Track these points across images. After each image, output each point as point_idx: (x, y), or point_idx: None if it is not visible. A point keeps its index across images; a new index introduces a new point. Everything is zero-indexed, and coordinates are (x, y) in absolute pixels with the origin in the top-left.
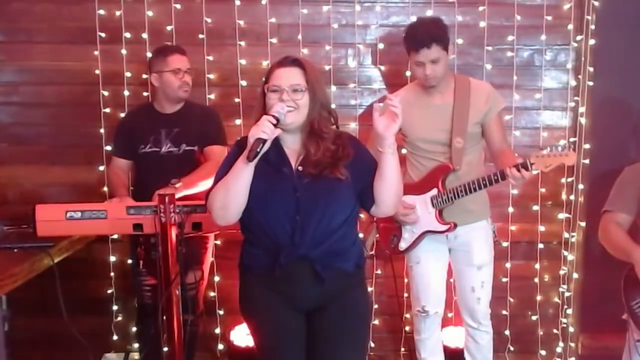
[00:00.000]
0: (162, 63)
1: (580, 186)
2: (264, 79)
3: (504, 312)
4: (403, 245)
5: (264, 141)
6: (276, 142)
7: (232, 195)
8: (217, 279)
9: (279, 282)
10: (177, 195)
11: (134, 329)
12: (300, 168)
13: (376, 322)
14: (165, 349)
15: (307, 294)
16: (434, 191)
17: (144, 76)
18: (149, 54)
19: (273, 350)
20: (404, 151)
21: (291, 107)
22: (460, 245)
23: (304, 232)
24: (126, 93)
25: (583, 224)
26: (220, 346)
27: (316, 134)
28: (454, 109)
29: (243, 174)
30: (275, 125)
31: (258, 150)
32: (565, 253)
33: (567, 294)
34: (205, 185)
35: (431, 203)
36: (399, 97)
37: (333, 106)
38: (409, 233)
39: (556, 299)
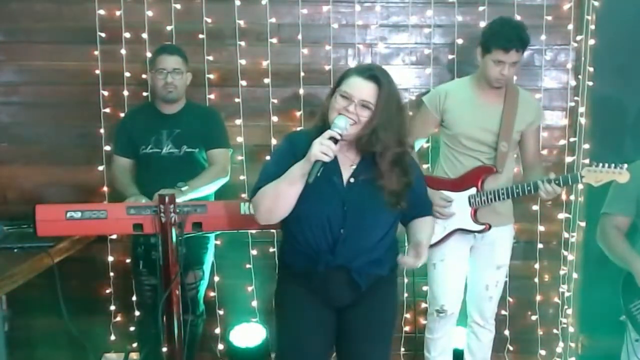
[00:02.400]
0: (152, 62)
1: (580, 186)
2: (338, 81)
3: (504, 312)
4: (432, 239)
5: (325, 162)
6: None
7: (281, 202)
8: (217, 279)
9: (315, 283)
10: (183, 199)
11: (134, 328)
12: (352, 180)
13: None
14: (165, 349)
15: (343, 297)
16: (473, 190)
17: (144, 76)
18: (149, 54)
19: (296, 343)
20: (425, 144)
21: (352, 120)
22: (484, 245)
23: (345, 244)
24: (126, 93)
25: (583, 224)
26: (220, 346)
27: (365, 150)
28: (503, 113)
29: (296, 187)
30: (336, 142)
31: (318, 174)
32: (565, 253)
33: (567, 294)
34: (210, 188)
35: (468, 202)
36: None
37: None
38: (440, 228)
39: (556, 299)
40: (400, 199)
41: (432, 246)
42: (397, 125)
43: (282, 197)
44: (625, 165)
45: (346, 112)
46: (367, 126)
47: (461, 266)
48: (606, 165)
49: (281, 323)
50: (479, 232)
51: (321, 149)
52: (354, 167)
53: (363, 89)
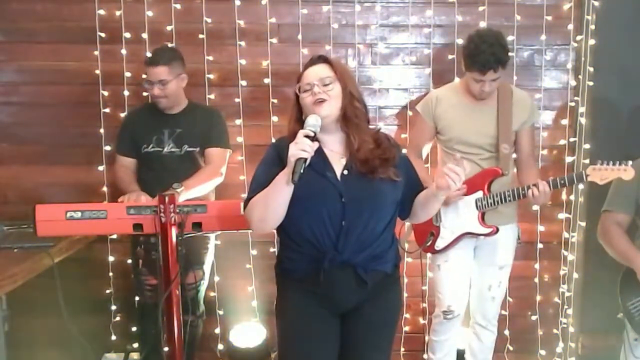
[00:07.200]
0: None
1: (580, 186)
2: (297, 83)
3: (504, 312)
4: (441, 244)
5: (306, 159)
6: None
7: (271, 210)
8: (217, 279)
9: (320, 286)
10: (179, 200)
11: (134, 328)
12: (345, 172)
13: None
14: (166, 349)
15: (349, 297)
16: (479, 194)
17: (144, 76)
18: (149, 54)
19: (303, 355)
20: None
21: (323, 98)
22: (486, 245)
23: (348, 237)
24: (126, 93)
25: (583, 224)
26: (220, 346)
27: (352, 124)
28: (499, 115)
29: (284, 193)
30: (312, 139)
31: (302, 171)
32: (565, 253)
33: (567, 294)
34: (204, 189)
35: (475, 205)
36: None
37: None
38: (448, 232)
39: (556, 299)
40: (389, 163)
41: (439, 251)
42: (360, 93)
43: (271, 205)
44: (630, 162)
45: (315, 97)
46: (345, 96)
47: (465, 266)
48: (610, 162)
49: (284, 335)
50: (487, 235)
51: (297, 147)
52: (345, 160)
53: (316, 72)
